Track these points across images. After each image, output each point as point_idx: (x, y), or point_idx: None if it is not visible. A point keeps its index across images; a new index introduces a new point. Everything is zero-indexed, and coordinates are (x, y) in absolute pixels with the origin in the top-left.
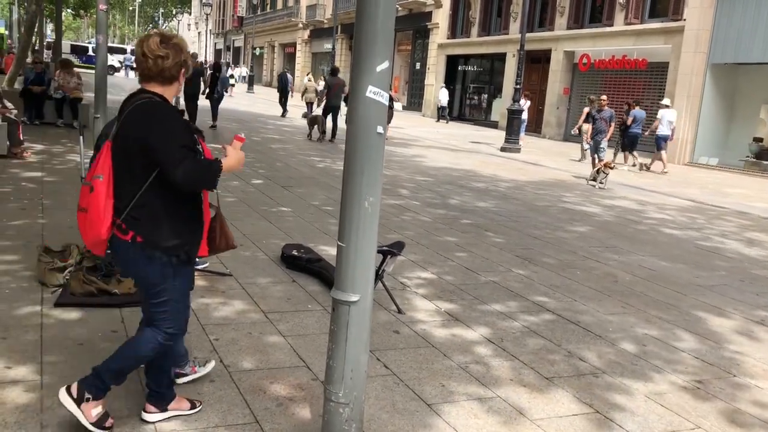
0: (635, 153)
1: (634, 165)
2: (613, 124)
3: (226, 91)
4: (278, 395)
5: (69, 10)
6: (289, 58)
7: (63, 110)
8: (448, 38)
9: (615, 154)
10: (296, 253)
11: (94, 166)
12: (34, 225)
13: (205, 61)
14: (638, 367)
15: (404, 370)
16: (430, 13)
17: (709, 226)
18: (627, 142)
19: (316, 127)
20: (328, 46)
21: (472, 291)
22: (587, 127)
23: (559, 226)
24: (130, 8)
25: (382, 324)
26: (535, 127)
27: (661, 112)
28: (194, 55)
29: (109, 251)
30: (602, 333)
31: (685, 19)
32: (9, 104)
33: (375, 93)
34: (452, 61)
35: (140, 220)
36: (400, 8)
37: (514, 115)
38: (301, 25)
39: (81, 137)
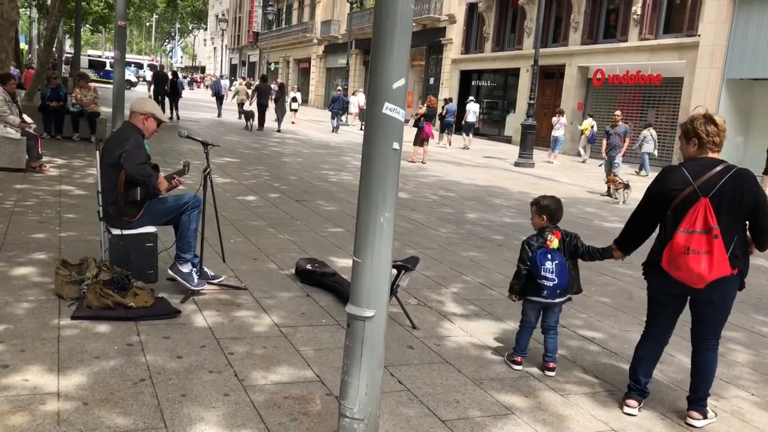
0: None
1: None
2: (627, 139)
3: (181, 95)
4: (292, 410)
5: (87, 26)
6: (304, 73)
7: (79, 124)
8: (461, 53)
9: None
10: (310, 267)
11: (705, 218)
12: (52, 238)
13: (219, 74)
14: (654, 385)
15: (418, 386)
16: (444, 28)
17: None
18: (442, 127)
19: (250, 119)
20: (342, 61)
21: (487, 307)
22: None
23: None
24: (147, 24)
25: (396, 339)
26: (549, 142)
27: (468, 106)
28: (161, 66)
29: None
30: (618, 350)
31: (699, 35)
32: (28, 119)
33: (391, 109)
34: (466, 76)
35: (739, 257)
36: (414, 24)
37: (527, 130)
38: (315, 41)
39: (98, 152)
